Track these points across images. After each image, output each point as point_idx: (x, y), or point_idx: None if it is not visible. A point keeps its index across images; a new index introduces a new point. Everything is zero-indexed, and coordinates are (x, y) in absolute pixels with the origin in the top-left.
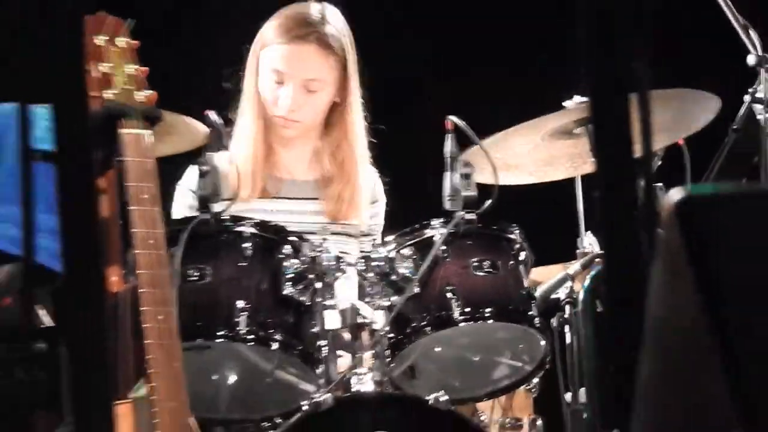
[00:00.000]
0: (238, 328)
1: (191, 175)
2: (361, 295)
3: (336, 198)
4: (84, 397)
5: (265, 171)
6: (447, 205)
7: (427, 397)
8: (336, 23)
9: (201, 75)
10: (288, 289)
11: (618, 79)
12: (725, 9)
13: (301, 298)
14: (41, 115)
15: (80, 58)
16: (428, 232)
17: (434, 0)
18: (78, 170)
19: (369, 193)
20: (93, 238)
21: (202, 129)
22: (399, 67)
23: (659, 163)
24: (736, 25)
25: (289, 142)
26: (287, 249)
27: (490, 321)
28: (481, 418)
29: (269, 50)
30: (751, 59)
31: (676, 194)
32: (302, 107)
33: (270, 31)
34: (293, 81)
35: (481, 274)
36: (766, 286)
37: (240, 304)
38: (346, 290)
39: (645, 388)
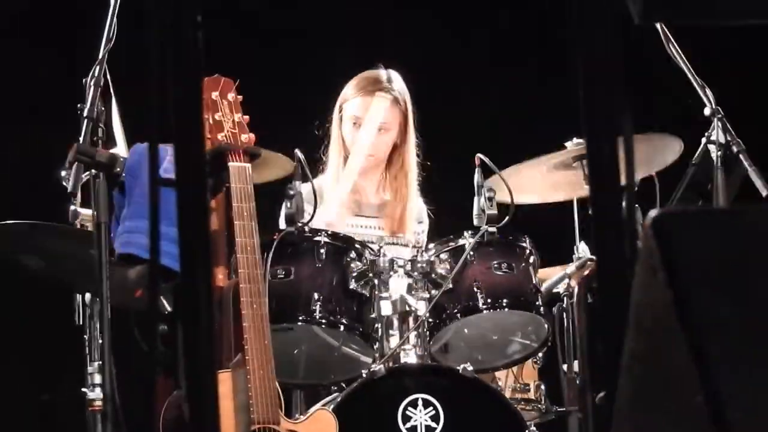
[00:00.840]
0: (314, 314)
1: None
2: (408, 290)
3: (392, 217)
4: (194, 367)
5: (352, 196)
6: (475, 221)
7: (457, 368)
8: (399, 83)
9: (291, 122)
10: (352, 284)
11: (608, 125)
12: (688, 74)
13: (362, 291)
14: (168, 151)
15: (199, 109)
16: (461, 241)
17: (470, 71)
18: (194, 194)
19: (416, 214)
20: (204, 246)
21: (290, 163)
22: (444, 118)
23: (636, 190)
24: (695, 85)
25: (363, 173)
26: (353, 254)
27: (506, 309)
28: (498, 384)
29: (350, 103)
30: (707, 111)
31: (652, 213)
32: (375, 145)
33: (350, 89)
34: (368, 124)
35: (500, 273)
36: (722, 280)
37: (315, 295)
38: (397, 285)
39: (627, 360)
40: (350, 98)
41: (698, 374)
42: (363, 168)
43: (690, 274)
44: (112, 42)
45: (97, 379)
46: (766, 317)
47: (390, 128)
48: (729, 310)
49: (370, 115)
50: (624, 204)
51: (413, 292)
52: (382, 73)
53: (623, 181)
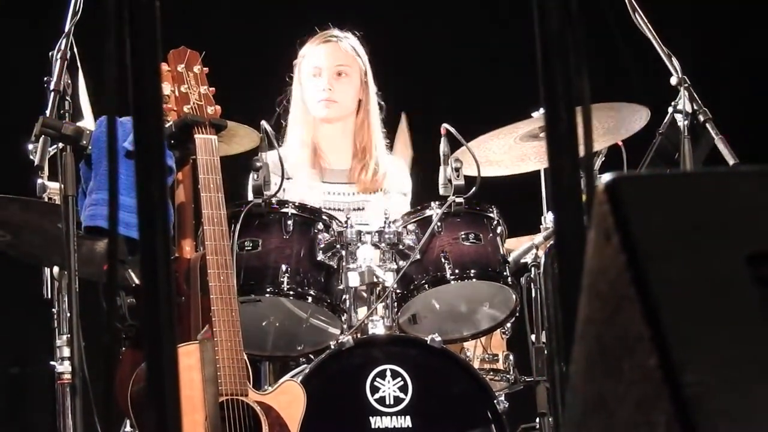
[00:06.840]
0: (282, 286)
1: None
2: (376, 261)
3: (361, 174)
4: (154, 339)
5: (314, 161)
6: (442, 191)
7: (425, 338)
8: (353, 39)
9: (257, 94)
10: (320, 256)
11: (566, 94)
12: (654, 44)
13: (330, 263)
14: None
15: (158, 81)
16: (427, 212)
17: (438, 38)
18: (153, 165)
19: (397, 180)
20: (163, 217)
21: (257, 135)
22: (410, 86)
23: (603, 159)
24: (662, 54)
25: (330, 137)
26: (320, 225)
27: (474, 279)
28: (467, 354)
29: (307, 57)
30: (673, 80)
31: (606, 177)
32: (336, 89)
33: (306, 47)
34: (327, 70)
35: (468, 243)
36: (676, 244)
37: (283, 267)
38: (364, 256)
39: (581, 327)
40: (307, 53)
41: (651, 338)
42: (327, 117)
43: (644, 237)
44: (79, 15)
45: (66, 352)
46: (719, 281)
47: (349, 73)
48: (682, 274)
49: (327, 61)
50: (582, 174)
51: (381, 263)
52: (335, 30)
53: (582, 150)
